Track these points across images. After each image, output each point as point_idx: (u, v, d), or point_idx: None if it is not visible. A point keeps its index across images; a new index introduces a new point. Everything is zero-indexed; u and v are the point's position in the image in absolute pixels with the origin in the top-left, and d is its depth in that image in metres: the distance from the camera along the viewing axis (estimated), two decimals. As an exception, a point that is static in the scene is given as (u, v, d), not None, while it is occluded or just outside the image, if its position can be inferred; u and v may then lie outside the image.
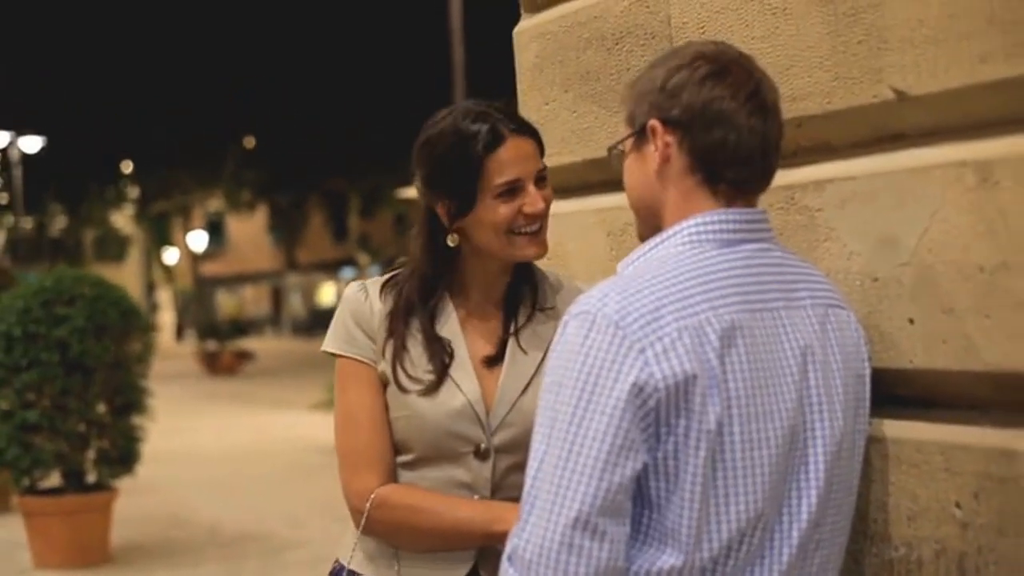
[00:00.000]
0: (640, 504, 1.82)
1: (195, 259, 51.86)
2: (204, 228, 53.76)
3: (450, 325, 2.46)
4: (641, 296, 1.82)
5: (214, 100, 31.86)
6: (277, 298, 62.91)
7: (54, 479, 8.84)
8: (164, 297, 55.42)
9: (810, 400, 1.90)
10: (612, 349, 1.79)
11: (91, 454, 8.65)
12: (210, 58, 30.09)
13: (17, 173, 33.10)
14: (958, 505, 1.97)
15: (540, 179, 2.42)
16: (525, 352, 2.44)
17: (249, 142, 41.45)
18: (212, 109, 32.32)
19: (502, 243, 2.40)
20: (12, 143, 31.99)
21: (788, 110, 2.24)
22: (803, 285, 1.97)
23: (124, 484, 8.95)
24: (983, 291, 1.92)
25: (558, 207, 2.53)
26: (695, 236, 1.93)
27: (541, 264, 2.54)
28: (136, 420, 8.89)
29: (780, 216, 2.28)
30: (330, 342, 2.52)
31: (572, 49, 2.80)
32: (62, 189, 38.64)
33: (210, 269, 55.54)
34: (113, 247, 50.99)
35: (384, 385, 2.43)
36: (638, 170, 2.03)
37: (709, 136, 1.93)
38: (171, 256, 54.35)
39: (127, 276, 57.94)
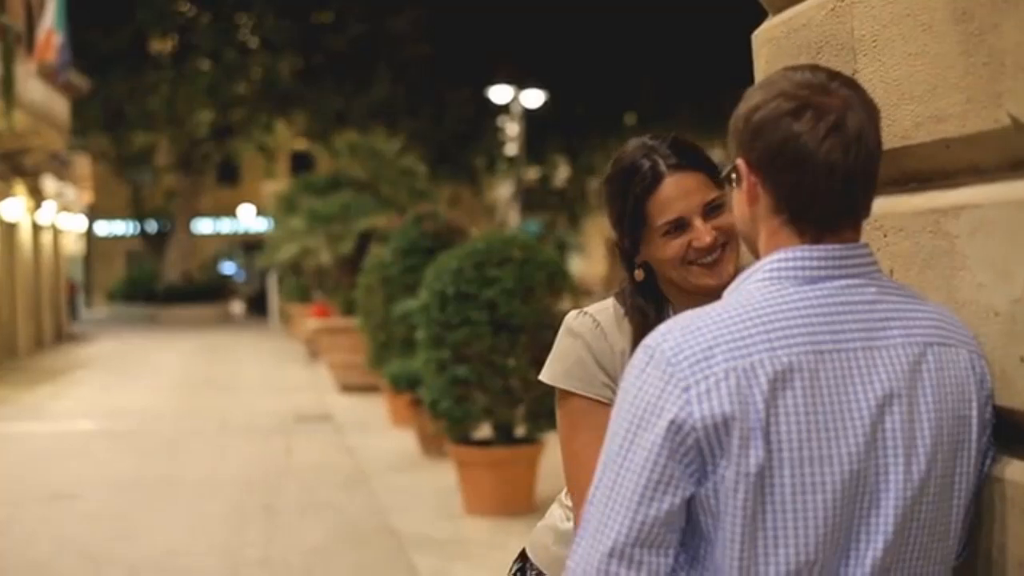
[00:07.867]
0: (697, 535, 1.86)
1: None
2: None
3: None
4: (699, 334, 1.85)
5: (716, 53, 32.00)
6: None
7: (485, 431, 9.35)
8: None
9: (885, 443, 1.86)
10: (659, 385, 1.83)
11: (520, 409, 9.06)
12: (713, 12, 30.17)
13: (520, 127, 34.75)
14: (1055, 558, 1.87)
15: (713, 208, 2.45)
16: None
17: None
18: (714, 62, 32.44)
19: (681, 275, 2.48)
20: (515, 98, 33.58)
21: (936, 131, 2.17)
22: (897, 323, 1.91)
23: (551, 438, 9.37)
24: (1074, 336, 1.80)
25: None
26: (774, 273, 1.92)
27: None
28: (563, 377, 9.21)
29: (929, 240, 2.20)
30: (565, 379, 2.52)
31: (789, 56, 2.76)
32: (565, 141, 40.16)
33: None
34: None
35: None
36: (739, 203, 2.04)
37: (787, 178, 1.91)
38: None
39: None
